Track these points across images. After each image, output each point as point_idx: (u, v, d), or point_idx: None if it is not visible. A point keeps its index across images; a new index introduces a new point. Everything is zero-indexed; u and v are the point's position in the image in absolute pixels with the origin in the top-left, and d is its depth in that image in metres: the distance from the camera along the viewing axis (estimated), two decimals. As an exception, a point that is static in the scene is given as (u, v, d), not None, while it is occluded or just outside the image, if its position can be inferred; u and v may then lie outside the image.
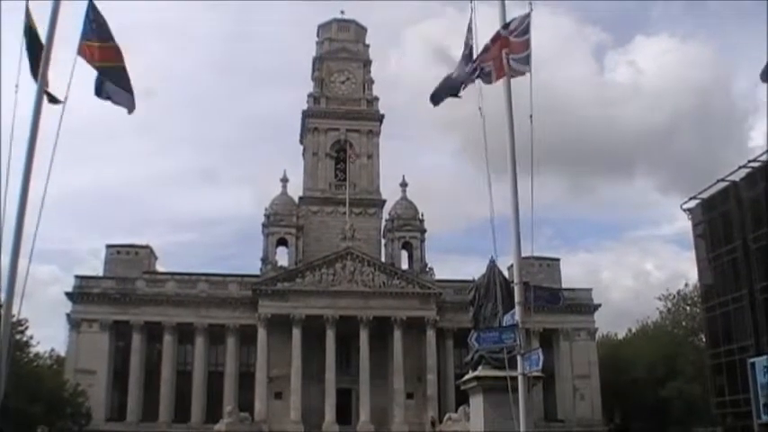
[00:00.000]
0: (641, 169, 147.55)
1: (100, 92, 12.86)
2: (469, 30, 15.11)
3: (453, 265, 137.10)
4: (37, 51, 12.20)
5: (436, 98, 16.21)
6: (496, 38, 14.38)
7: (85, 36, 12.68)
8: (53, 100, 12.25)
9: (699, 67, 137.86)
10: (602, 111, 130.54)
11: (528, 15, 14.11)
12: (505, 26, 14.37)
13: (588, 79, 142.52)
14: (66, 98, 12.13)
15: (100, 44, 12.70)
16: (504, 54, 14.06)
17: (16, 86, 11.76)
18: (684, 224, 52.24)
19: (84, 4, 12.83)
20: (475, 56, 14.72)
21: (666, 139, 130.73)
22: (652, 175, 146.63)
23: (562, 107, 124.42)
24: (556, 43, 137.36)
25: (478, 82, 14.60)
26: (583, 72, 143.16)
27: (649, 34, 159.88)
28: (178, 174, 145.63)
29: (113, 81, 12.82)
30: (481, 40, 14.71)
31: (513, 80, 14.36)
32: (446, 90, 15.98)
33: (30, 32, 12.35)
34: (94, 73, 12.83)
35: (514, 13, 14.62)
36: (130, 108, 13.10)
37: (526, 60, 13.93)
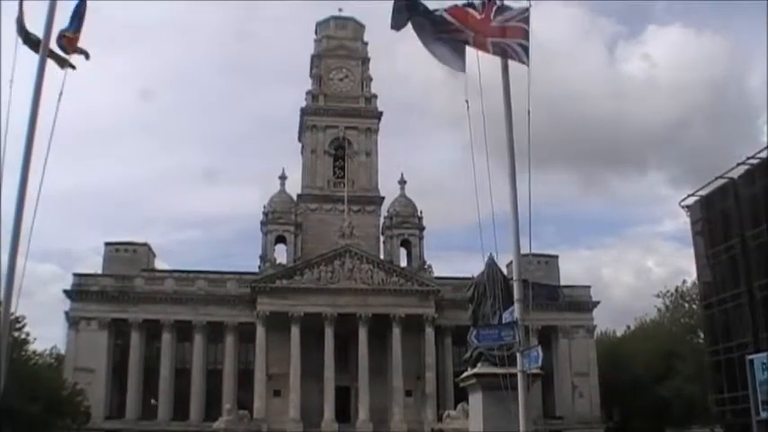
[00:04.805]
0: (654, 163, 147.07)
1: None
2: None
3: (454, 261, 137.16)
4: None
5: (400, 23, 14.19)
6: (487, 11, 13.92)
7: (69, 28, 12.82)
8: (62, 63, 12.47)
9: (713, 59, 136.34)
10: (615, 104, 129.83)
11: (527, 10, 13.94)
12: (500, 9, 14.00)
13: (601, 72, 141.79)
14: (60, 93, 12.14)
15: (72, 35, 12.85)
16: (505, 36, 13.75)
17: (11, 82, 11.72)
18: (686, 220, 52.14)
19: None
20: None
21: (680, 132, 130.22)
22: (664, 169, 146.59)
23: (575, 100, 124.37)
24: (569, 36, 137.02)
25: (468, 76, 14.06)
26: (596, 64, 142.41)
27: (663, 24, 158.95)
28: (179, 172, 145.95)
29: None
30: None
31: (514, 75, 14.13)
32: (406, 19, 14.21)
33: (23, 30, 12.38)
34: (92, 69, 13.01)
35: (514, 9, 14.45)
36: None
37: (525, 52, 13.69)
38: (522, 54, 13.58)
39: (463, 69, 13.96)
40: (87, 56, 13.04)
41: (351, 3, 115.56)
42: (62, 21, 12.77)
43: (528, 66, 13.49)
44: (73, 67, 12.79)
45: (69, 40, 12.82)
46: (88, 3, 13.03)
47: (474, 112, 13.62)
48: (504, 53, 13.91)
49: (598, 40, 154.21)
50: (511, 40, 13.70)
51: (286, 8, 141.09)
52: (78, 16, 12.91)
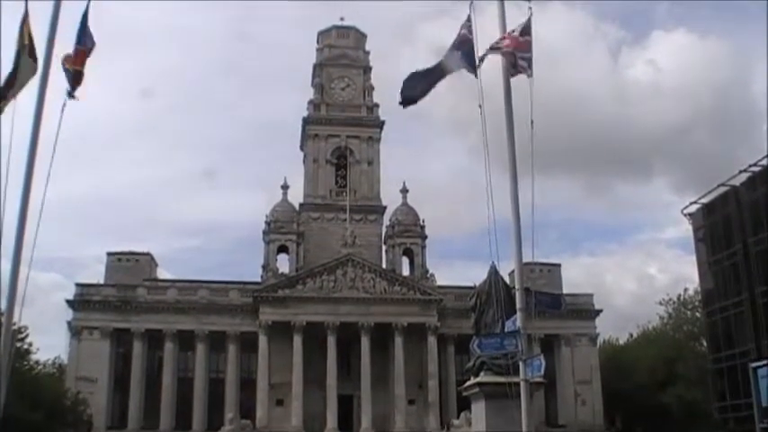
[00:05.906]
0: (657, 169, 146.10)
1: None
2: (468, 21, 14.74)
3: (456, 269, 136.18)
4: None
5: (409, 99, 15.18)
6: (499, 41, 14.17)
7: (79, 41, 12.70)
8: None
9: (717, 64, 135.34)
10: (619, 109, 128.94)
11: (528, 19, 14.01)
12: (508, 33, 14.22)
13: (605, 77, 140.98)
14: (64, 104, 12.13)
15: (83, 48, 12.71)
16: (511, 48, 13.81)
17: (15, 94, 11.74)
18: (688, 228, 52.15)
19: (81, 8, 12.88)
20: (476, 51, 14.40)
21: (683, 138, 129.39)
22: (668, 174, 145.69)
23: (578, 105, 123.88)
24: (572, 40, 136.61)
25: (479, 79, 14.20)
26: (599, 69, 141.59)
27: (667, 30, 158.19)
28: (181, 180, 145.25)
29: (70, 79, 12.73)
30: (480, 37, 14.47)
31: (518, 82, 14.16)
32: (422, 86, 15.05)
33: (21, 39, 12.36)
34: (92, 74, 12.91)
35: (515, 11, 14.54)
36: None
37: (529, 63, 13.74)
38: (526, 65, 13.65)
39: (474, 72, 14.07)
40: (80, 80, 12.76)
41: (352, 11, 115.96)
42: (62, 30, 12.74)
43: (531, 77, 13.54)
44: (74, 97, 12.55)
45: (77, 60, 12.65)
46: (90, 4, 13.00)
47: (477, 120, 13.66)
48: (507, 62, 13.99)
49: (602, 45, 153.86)
50: (515, 51, 13.77)
51: (288, 11, 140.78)
52: (83, 31, 12.80)
